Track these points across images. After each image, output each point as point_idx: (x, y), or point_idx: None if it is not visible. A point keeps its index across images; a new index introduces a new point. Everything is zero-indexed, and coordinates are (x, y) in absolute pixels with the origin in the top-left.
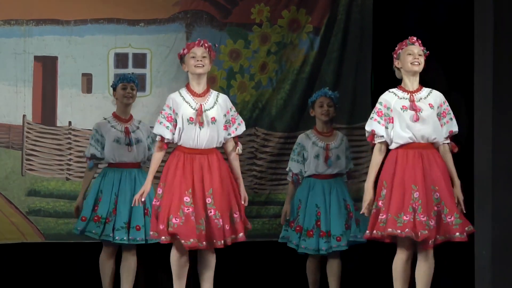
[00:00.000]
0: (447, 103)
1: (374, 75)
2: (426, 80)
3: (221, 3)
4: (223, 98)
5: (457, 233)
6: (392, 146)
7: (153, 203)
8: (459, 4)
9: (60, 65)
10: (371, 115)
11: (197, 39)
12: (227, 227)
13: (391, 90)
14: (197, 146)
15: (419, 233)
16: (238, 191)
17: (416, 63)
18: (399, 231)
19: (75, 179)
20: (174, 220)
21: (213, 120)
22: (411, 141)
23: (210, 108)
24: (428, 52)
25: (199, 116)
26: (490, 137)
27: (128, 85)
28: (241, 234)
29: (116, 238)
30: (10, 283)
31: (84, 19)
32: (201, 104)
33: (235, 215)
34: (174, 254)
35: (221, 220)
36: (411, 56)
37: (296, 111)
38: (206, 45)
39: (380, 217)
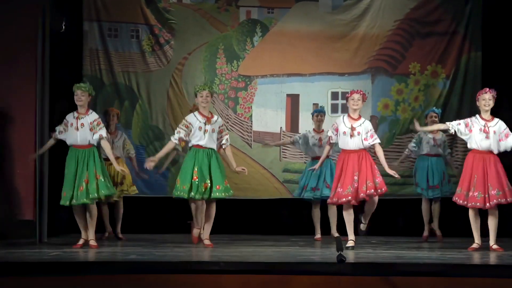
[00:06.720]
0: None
1: None
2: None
3: (391, 62)
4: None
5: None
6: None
7: None
8: None
9: (300, 99)
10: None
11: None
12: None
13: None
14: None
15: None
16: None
17: (487, 105)
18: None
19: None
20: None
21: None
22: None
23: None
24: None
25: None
26: None
27: (319, 114)
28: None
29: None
30: (269, 221)
31: (314, 73)
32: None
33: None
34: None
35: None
36: (484, 101)
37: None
38: (362, 92)
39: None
